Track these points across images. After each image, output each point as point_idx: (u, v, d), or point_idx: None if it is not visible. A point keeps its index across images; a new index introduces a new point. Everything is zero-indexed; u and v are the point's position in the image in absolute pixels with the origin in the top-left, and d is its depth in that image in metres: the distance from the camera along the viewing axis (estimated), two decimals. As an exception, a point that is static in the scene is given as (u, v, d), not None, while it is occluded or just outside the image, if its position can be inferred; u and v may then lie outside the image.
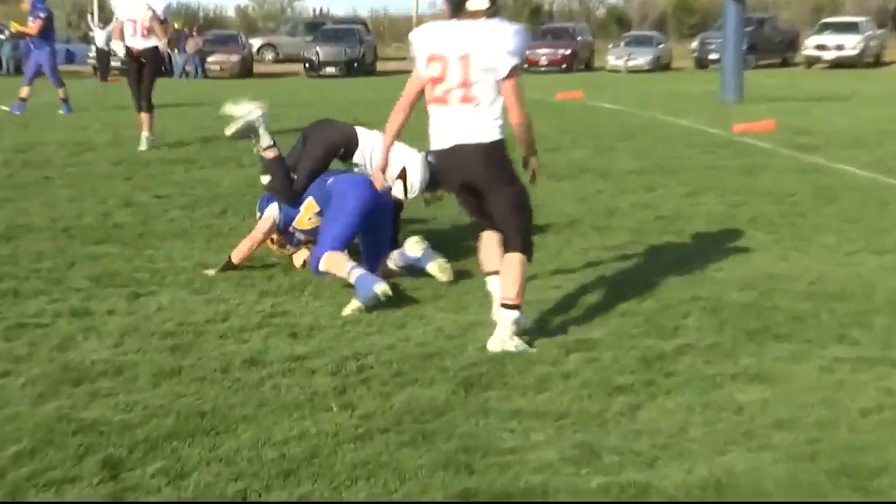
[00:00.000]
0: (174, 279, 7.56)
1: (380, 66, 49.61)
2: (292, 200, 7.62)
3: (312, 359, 5.82)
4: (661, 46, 48.78)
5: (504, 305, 6.06)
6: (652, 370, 5.64)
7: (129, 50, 14.88)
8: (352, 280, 6.97)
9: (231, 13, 78.01)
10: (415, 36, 6.24)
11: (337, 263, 7.10)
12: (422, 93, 6.22)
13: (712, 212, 10.17)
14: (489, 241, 6.42)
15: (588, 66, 48.50)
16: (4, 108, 20.91)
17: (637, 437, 4.75)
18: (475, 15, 6.01)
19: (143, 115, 15.03)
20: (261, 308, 6.84)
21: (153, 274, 7.72)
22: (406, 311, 6.76)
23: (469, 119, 6.07)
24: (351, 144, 7.93)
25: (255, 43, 55.78)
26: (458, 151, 6.13)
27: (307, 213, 7.60)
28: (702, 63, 45.77)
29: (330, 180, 7.53)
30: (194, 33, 46.90)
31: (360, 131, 8.05)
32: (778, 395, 5.25)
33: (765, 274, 7.67)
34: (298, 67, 47.48)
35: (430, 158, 7.41)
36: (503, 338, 5.97)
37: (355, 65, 45.09)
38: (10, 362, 5.75)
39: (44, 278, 7.57)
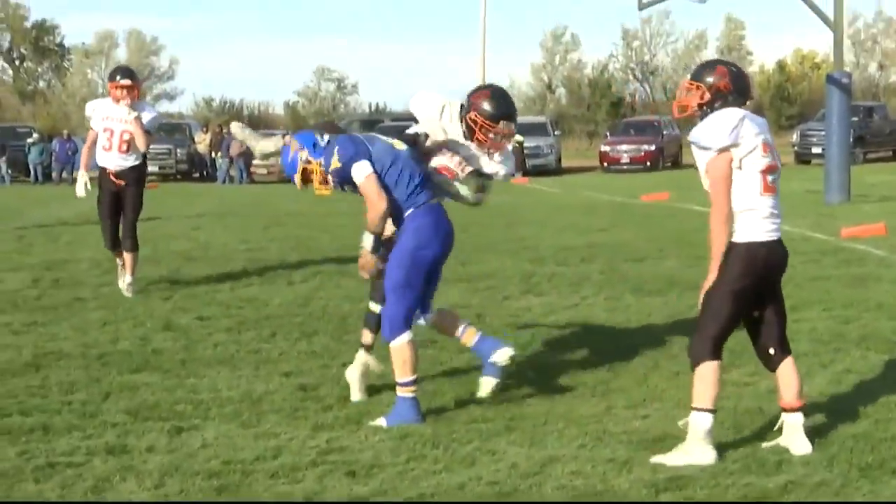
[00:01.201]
0: (219, 411, 7.65)
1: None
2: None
3: (373, 501, 5.85)
4: (757, 140, 48.81)
5: (798, 409, 6.65)
6: (753, 512, 5.62)
7: (102, 171, 13.01)
8: (400, 392, 7.37)
9: (279, 110, 79.41)
10: (738, 124, 6.40)
11: (405, 362, 7.39)
12: None
13: (818, 328, 10.14)
14: (719, 373, 6.54)
15: (675, 164, 48.75)
16: None
17: (737, 590, 4.73)
18: None
19: (126, 255, 12.92)
20: (315, 443, 6.90)
21: (196, 406, 7.82)
22: (475, 446, 6.79)
23: (780, 208, 6.56)
24: None
25: (306, 143, 56.49)
26: (780, 245, 6.57)
27: (336, 163, 7.47)
28: (803, 158, 45.84)
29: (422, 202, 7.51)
30: (238, 134, 47.71)
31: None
32: (897, 540, 5.22)
33: (879, 400, 7.61)
34: (354, 169, 48.03)
35: None
36: (800, 441, 6.54)
37: (416, 165, 45.49)
38: (40, 507, 5.83)
39: (76, 412, 7.68)
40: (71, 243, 18.19)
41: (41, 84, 79.35)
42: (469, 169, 7.86)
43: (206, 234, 19.83)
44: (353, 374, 8.11)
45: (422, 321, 7.81)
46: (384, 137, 7.68)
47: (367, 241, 7.46)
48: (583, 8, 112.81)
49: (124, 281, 12.85)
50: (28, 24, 77.96)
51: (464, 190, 7.84)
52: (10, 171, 45.56)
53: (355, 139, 7.54)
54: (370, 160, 7.41)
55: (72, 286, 13.45)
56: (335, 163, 7.44)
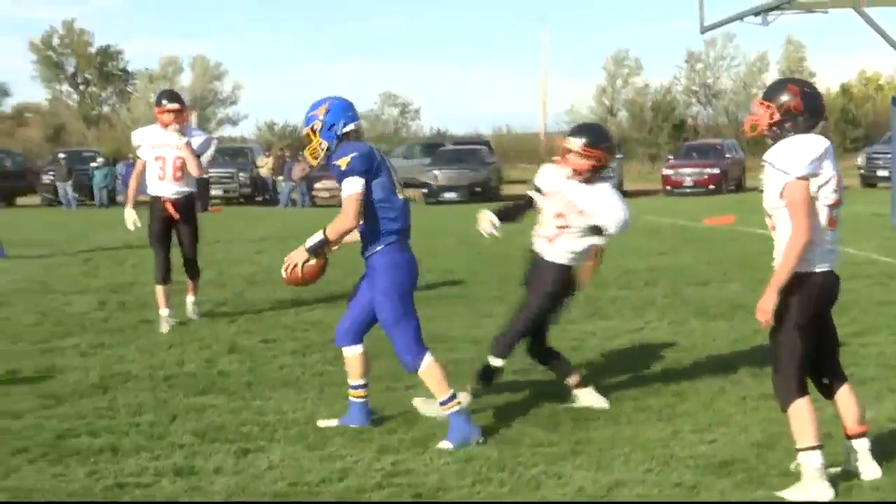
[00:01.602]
0: (285, 433, 7.70)
1: (505, 189, 50.14)
2: None
3: (439, 524, 5.88)
4: (821, 163, 48.37)
5: (862, 434, 6.61)
6: (822, 537, 5.58)
7: (155, 200, 12.53)
8: (447, 411, 7.51)
9: (340, 134, 79.60)
10: (822, 154, 6.28)
11: (439, 380, 7.59)
12: None
13: (886, 353, 10.05)
14: (811, 407, 6.44)
15: (739, 187, 48.43)
16: None
17: None
18: None
19: (189, 281, 12.83)
20: (380, 466, 6.92)
21: (262, 428, 7.87)
22: (541, 469, 6.79)
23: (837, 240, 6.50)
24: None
25: (368, 167, 56.73)
26: (833, 275, 6.49)
27: (343, 164, 7.59)
28: (868, 181, 45.39)
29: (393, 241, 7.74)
30: (300, 158, 47.99)
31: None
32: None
33: (949, 425, 7.55)
34: (415, 193, 48.19)
35: None
36: (869, 466, 6.55)
37: (478, 189, 45.52)
38: (110, 527, 5.90)
39: (144, 433, 7.77)
40: (137, 266, 18.34)
41: (105, 109, 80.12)
42: (577, 208, 8.23)
43: (269, 257, 19.90)
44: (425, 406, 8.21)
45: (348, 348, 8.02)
46: (395, 178, 7.89)
47: (315, 240, 7.66)
48: (646, 31, 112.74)
49: (188, 303, 12.81)
50: (92, 50, 78.78)
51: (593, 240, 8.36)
52: (76, 195, 46.01)
53: (370, 161, 7.65)
54: (367, 183, 7.59)
55: (138, 308, 13.57)
56: (342, 162, 7.57)
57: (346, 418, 7.95)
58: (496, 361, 8.36)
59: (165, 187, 12.49)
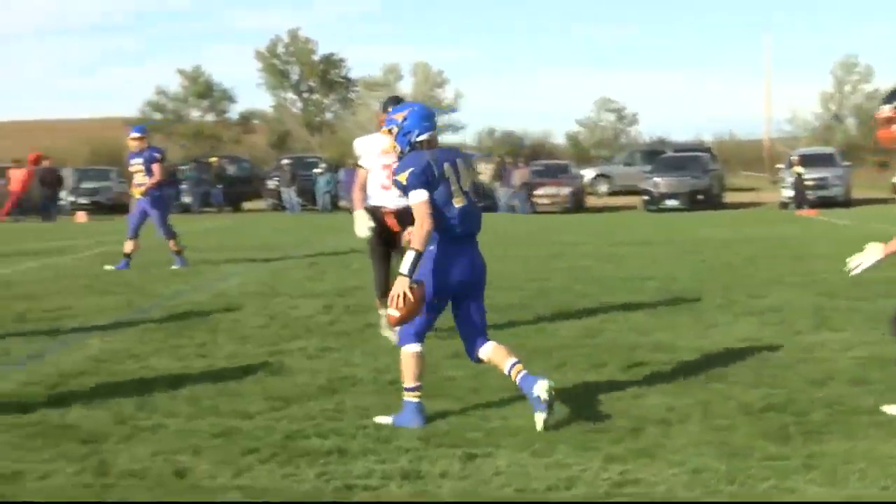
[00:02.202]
0: (510, 440, 7.70)
1: (727, 197, 49.54)
2: None
3: (669, 536, 5.81)
4: None
5: None
6: None
7: (375, 210, 11.93)
8: (405, 397, 8.20)
9: (560, 140, 79.95)
10: None
11: (408, 369, 8.21)
12: None
13: None
14: None
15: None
16: (109, 267, 20.20)
17: None
18: None
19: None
20: (608, 475, 6.86)
21: (487, 433, 7.89)
22: (772, 483, 6.63)
23: None
24: None
25: (588, 173, 56.89)
26: None
27: (402, 180, 8.07)
28: None
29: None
30: (520, 164, 48.21)
31: None
32: None
33: None
34: (635, 200, 48.04)
35: None
36: None
37: (700, 196, 45.09)
38: (340, 528, 5.99)
39: (371, 436, 7.85)
40: (361, 270, 18.61)
41: (328, 115, 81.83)
42: None
43: (488, 264, 20.03)
44: None
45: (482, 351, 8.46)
46: (456, 186, 8.25)
47: (409, 261, 7.94)
48: (877, 34, 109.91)
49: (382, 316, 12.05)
50: (316, 58, 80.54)
51: None
52: (300, 200, 47.07)
53: (427, 175, 8.06)
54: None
55: (363, 312, 13.77)
56: (402, 178, 8.07)
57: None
58: None
59: (390, 198, 11.82)
